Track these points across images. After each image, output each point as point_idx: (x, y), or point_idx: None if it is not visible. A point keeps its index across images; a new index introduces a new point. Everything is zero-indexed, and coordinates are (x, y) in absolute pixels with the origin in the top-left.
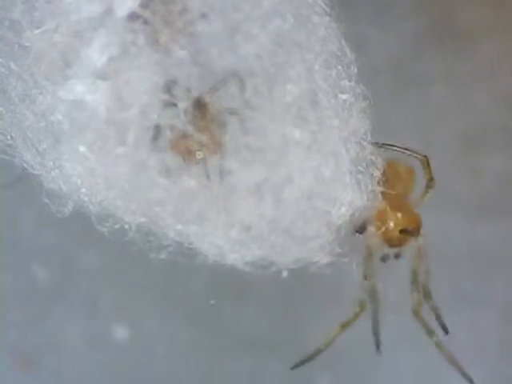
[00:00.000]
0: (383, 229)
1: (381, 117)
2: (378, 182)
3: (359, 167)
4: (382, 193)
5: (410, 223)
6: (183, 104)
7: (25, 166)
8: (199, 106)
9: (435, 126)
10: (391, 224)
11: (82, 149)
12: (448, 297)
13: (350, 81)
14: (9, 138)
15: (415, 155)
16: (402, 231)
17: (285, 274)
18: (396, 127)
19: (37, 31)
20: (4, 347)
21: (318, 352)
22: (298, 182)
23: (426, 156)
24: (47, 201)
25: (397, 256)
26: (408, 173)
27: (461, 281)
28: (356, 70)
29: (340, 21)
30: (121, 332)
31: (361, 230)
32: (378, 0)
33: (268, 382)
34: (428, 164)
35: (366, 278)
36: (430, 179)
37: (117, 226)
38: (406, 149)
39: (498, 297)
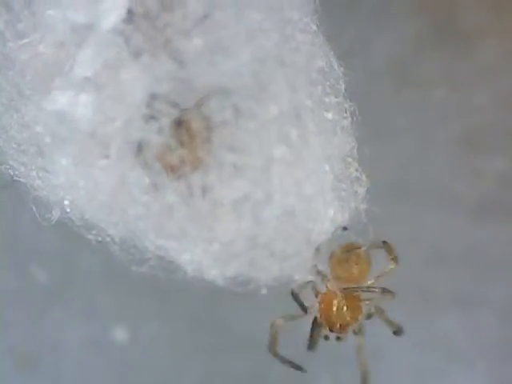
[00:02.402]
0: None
1: (381, 118)
2: (362, 200)
3: (343, 184)
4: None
5: (348, 319)
6: (166, 119)
7: (11, 173)
8: (182, 121)
9: (436, 127)
10: (334, 310)
11: (63, 161)
12: (448, 297)
13: (336, 97)
14: None
15: (377, 247)
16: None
17: (264, 291)
18: (397, 128)
19: (21, 42)
20: (3, 348)
21: None
22: (279, 199)
23: (385, 241)
24: (34, 208)
25: (338, 339)
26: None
27: (460, 281)
28: (344, 85)
29: (331, 34)
30: (120, 334)
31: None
32: (378, 1)
33: (268, 383)
34: (389, 247)
35: None
36: (394, 259)
37: (100, 238)
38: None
39: (498, 297)
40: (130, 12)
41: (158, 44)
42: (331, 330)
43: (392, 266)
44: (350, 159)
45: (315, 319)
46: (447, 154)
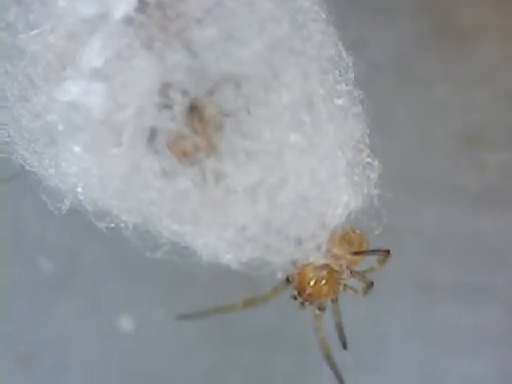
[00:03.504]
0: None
1: (383, 115)
2: (375, 185)
3: (355, 169)
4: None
5: (323, 295)
6: (179, 107)
7: (22, 163)
8: (195, 109)
9: (436, 125)
10: (311, 283)
11: (76, 149)
12: (451, 288)
13: (346, 85)
14: (6, 135)
15: (379, 253)
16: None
17: (279, 275)
18: (399, 120)
19: (32, 33)
20: (8, 339)
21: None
22: (292, 184)
23: (387, 250)
24: (44, 198)
25: (302, 305)
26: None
27: (463, 271)
28: (353, 74)
29: (337, 26)
30: (126, 324)
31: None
32: (379, 1)
33: (275, 373)
34: (387, 256)
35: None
36: (381, 264)
37: (113, 225)
38: (373, 250)
39: (501, 285)
40: (141, 1)
41: (170, 33)
42: (299, 294)
43: (376, 266)
44: (361, 145)
45: (287, 278)
46: (447, 151)
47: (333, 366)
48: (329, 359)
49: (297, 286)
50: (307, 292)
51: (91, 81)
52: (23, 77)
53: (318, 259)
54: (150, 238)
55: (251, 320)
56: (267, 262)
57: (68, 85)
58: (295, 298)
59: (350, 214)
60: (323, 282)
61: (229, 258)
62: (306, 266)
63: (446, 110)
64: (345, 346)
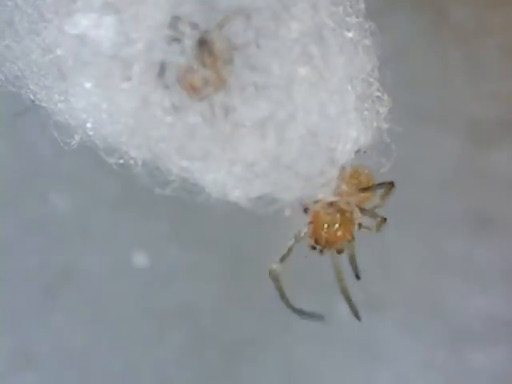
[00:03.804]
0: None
1: (393, 47)
2: (384, 119)
3: (365, 104)
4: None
5: (339, 238)
6: (188, 41)
7: (32, 97)
8: (204, 42)
9: (448, 56)
10: (325, 227)
11: (86, 84)
12: (463, 220)
13: (357, 17)
14: (16, 69)
15: (384, 185)
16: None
17: (287, 212)
18: (413, 51)
19: None
20: (24, 275)
21: None
22: (302, 119)
23: (391, 182)
24: (55, 133)
25: (321, 252)
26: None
27: (476, 204)
28: (364, 6)
29: None
30: (141, 259)
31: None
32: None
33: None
34: (391, 190)
35: None
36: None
37: (122, 161)
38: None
39: None
40: None
41: None
42: (316, 242)
43: (379, 202)
44: (371, 79)
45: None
46: (461, 78)
47: (347, 298)
48: (344, 291)
49: (312, 234)
50: (323, 238)
51: (101, 14)
52: (33, 10)
53: (327, 196)
54: (160, 175)
55: (265, 253)
56: (276, 199)
57: (78, 18)
58: (314, 248)
59: (359, 150)
60: (337, 225)
61: (237, 194)
62: (315, 203)
63: (463, 34)
64: (358, 277)
